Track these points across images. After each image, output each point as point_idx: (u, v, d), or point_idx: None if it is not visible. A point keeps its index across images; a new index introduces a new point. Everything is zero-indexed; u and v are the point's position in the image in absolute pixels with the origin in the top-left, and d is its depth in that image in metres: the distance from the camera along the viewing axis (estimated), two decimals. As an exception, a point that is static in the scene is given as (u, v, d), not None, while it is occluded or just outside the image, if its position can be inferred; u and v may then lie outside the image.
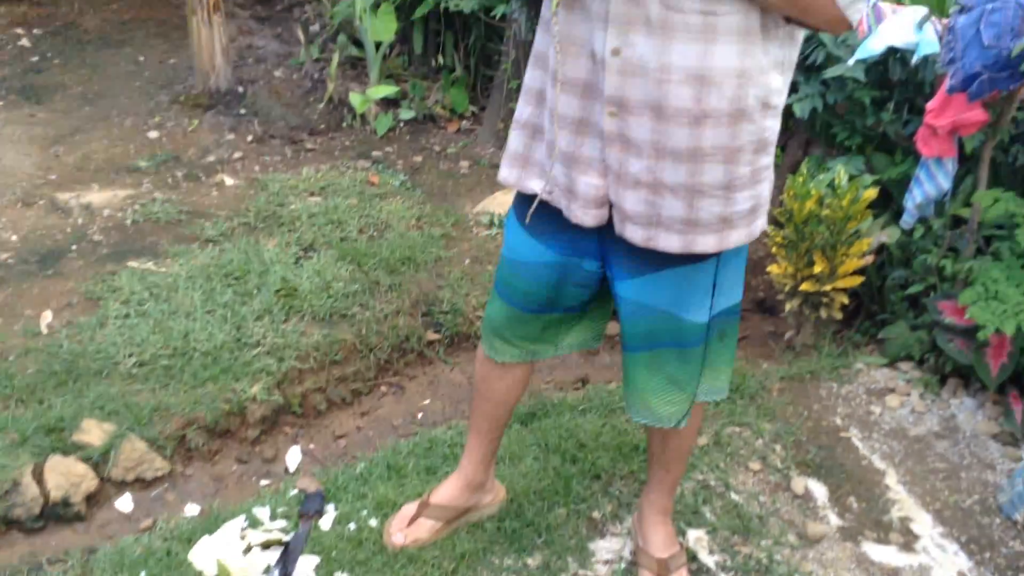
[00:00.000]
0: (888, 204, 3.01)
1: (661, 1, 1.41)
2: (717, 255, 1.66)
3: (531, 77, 1.69)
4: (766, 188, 1.65)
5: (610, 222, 1.64)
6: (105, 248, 3.31)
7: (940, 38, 2.54)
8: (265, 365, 2.76)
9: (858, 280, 2.79)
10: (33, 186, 3.68)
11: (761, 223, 1.67)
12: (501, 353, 1.92)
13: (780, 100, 1.57)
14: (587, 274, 1.77)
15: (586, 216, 1.64)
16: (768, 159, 1.62)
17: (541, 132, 1.69)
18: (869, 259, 2.83)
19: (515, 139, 1.74)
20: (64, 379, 2.60)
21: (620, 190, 1.59)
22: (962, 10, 2.24)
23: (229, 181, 3.86)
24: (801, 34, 1.56)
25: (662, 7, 1.42)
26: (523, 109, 1.72)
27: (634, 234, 1.61)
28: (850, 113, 3.05)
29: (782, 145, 3.63)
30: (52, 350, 2.70)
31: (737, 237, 1.63)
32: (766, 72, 1.50)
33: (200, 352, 2.77)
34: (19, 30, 4.96)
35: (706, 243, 1.60)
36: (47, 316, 2.90)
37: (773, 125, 1.58)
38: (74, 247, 3.30)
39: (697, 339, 1.74)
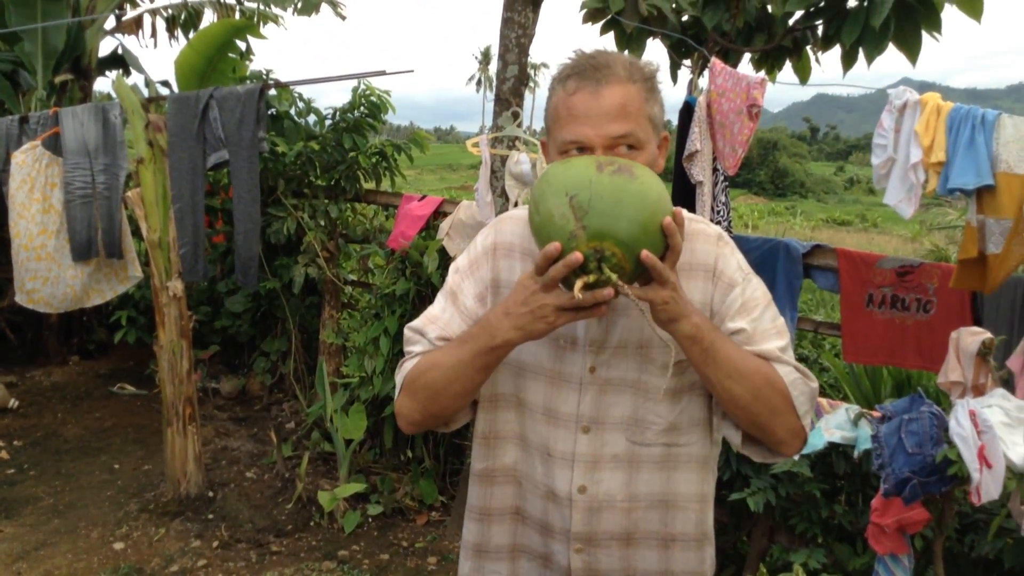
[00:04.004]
0: (859, 595, 2.96)
1: (628, 438, 1.51)
2: None
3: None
4: None
5: None
6: None
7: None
8: None
9: None
10: (-13, 610, 3.58)
11: None
12: None
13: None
14: None
15: None
16: None
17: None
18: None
19: None
20: None
21: None
22: (883, 419, 2.37)
23: (190, 593, 3.77)
24: None
25: (629, 443, 1.51)
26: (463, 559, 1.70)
27: None
28: (804, 504, 3.10)
29: (747, 533, 3.64)
30: None
31: None
32: (712, 496, 1.59)
33: None
34: (0, 443, 5.09)
35: None
36: None
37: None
38: None
39: None
